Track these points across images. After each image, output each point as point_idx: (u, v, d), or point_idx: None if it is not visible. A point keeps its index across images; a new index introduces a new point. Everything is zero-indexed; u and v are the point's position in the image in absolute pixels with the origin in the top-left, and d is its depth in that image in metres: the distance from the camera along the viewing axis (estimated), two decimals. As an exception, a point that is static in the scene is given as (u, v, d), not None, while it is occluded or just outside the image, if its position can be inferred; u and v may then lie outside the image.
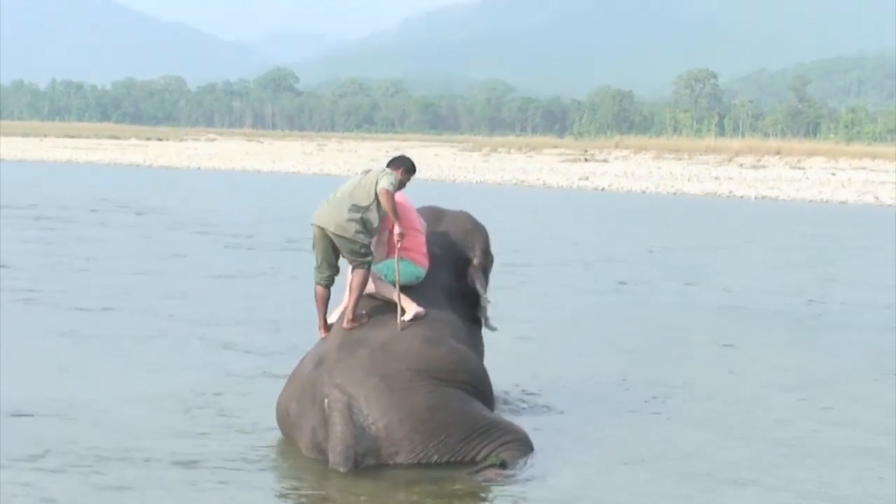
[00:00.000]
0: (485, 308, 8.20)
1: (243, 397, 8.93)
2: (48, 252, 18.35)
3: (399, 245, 7.65)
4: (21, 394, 8.76)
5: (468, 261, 8.26)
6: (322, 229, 7.67)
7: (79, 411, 8.36)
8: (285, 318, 12.40)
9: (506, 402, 8.55)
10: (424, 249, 7.82)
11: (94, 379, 9.51)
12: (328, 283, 7.83)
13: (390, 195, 7.60)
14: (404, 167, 8.00)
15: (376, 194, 7.62)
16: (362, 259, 7.60)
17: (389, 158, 8.15)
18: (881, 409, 9.09)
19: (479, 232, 8.42)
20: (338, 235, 7.58)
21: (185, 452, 7.39)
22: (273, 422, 7.79)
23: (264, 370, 9.83)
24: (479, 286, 8.18)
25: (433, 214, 8.12)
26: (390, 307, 7.60)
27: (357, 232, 7.56)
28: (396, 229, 7.63)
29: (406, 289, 7.65)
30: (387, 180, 7.65)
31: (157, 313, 12.70)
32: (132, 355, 10.47)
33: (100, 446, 7.52)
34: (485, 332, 8.37)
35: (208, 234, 22.13)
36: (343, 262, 7.80)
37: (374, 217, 7.65)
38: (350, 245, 7.58)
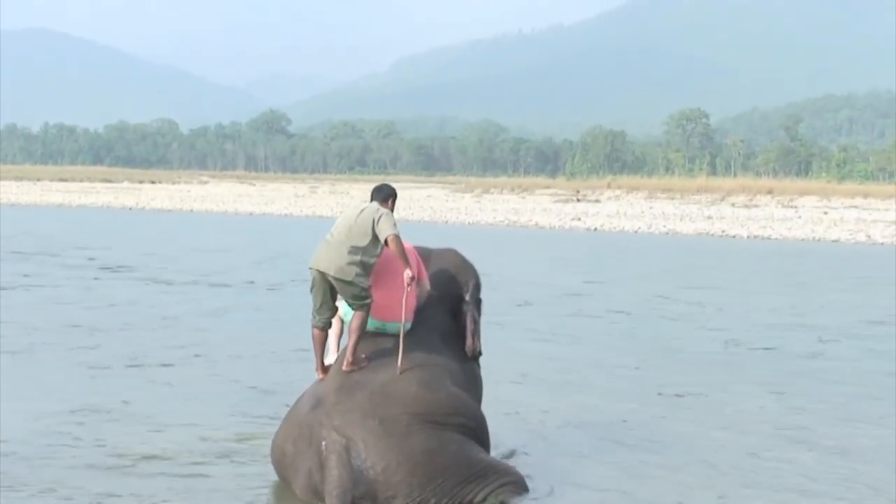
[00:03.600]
0: (470, 346, 8.13)
1: (237, 439, 8.90)
2: (52, 297, 18.34)
3: (409, 289, 7.63)
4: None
5: (460, 298, 8.23)
6: (322, 273, 7.63)
7: (78, 456, 8.31)
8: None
9: (496, 447, 8.51)
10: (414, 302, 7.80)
11: (108, 419, 9.47)
12: (326, 326, 7.81)
13: (399, 240, 7.57)
14: (392, 197, 7.99)
15: (374, 234, 7.61)
16: (362, 302, 7.57)
17: (374, 189, 8.06)
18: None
19: (469, 268, 8.40)
20: (338, 279, 7.54)
21: (178, 493, 7.37)
22: (267, 463, 7.76)
23: (259, 409, 9.80)
24: (472, 322, 8.14)
25: (421, 254, 8.09)
26: (388, 351, 7.58)
27: (357, 275, 7.53)
28: (408, 274, 7.62)
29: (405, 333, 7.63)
30: (389, 224, 7.60)
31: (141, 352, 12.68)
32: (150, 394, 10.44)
33: (86, 487, 7.51)
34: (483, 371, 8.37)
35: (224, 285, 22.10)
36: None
37: (371, 259, 7.63)
38: (350, 289, 7.55)
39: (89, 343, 13.57)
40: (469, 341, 8.09)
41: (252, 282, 21.42)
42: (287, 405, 8.11)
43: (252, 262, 25.79)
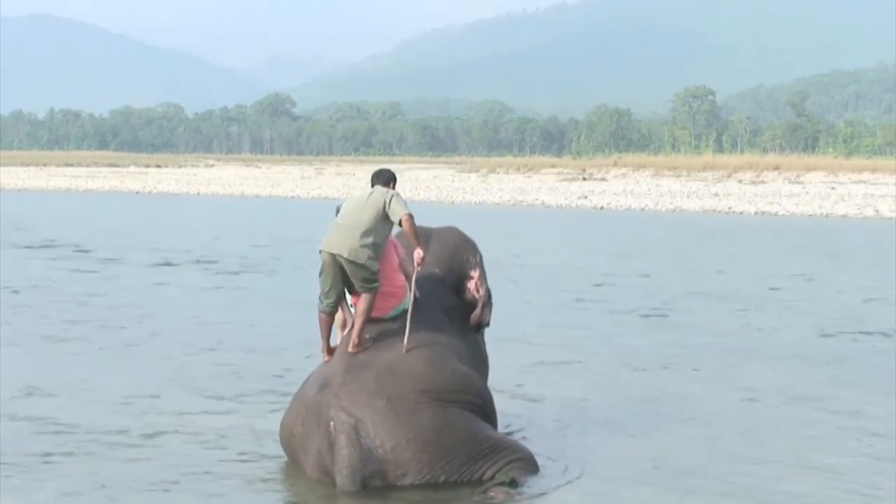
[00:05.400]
0: (478, 315, 8.15)
1: (247, 419, 8.91)
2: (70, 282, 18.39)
3: (418, 268, 7.70)
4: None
5: (464, 275, 8.23)
6: (333, 256, 7.62)
7: (90, 444, 8.33)
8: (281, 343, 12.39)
9: (508, 426, 8.52)
10: (401, 283, 7.80)
11: (98, 404, 9.48)
12: (333, 311, 7.81)
13: (413, 220, 7.62)
14: (393, 180, 8.03)
15: (384, 216, 7.61)
16: (371, 285, 7.58)
17: (373, 174, 8.11)
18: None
19: (470, 243, 8.41)
20: (350, 261, 7.54)
21: (190, 475, 7.39)
22: (277, 444, 7.78)
23: (267, 393, 9.81)
24: (482, 295, 8.15)
25: (422, 233, 8.07)
26: (393, 331, 7.59)
27: (369, 258, 7.54)
28: (419, 253, 7.65)
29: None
30: (402, 204, 7.64)
31: (155, 334, 12.70)
32: (134, 377, 10.44)
33: (101, 472, 7.52)
34: (489, 346, 8.38)
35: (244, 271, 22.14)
36: None
37: (381, 241, 7.65)
38: (361, 272, 7.56)
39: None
40: (477, 310, 8.11)
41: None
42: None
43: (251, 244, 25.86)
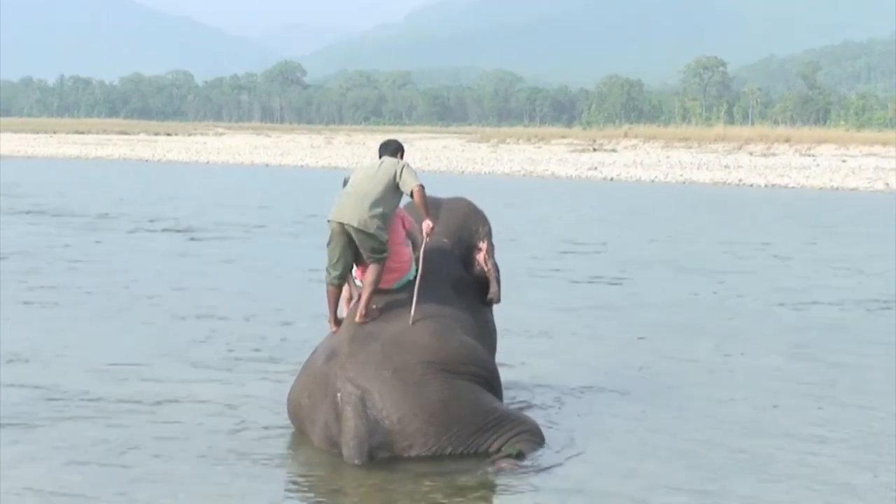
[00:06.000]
0: (496, 291, 8.16)
1: (255, 390, 8.94)
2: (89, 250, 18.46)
3: (426, 239, 7.70)
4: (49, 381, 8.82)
5: (473, 246, 8.22)
6: (342, 225, 7.58)
7: (91, 407, 8.37)
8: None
9: (514, 398, 8.53)
10: (406, 257, 7.79)
11: (103, 373, 9.51)
12: (341, 283, 7.78)
13: (424, 191, 7.61)
14: (401, 150, 8.02)
15: (395, 186, 7.60)
16: (379, 255, 7.56)
17: (381, 145, 8.11)
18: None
19: (480, 215, 8.39)
20: (359, 231, 7.51)
21: (197, 446, 7.41)
22: (285, 415, 7.80)
23: (274, 364, 9.85)
24: (489, 269, 8.15)
25: (432, 204, 8.04)
26: (400, 302, 7.59)
27: (378, 228, 7.52)
28: (428, 224, 7.65)
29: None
30: (413, 175, 7.63)
31: (159, 300, 12.75)
32: (143, 346, 10.47)
33: (108, 439, 7.55)
34: (497, 320, 8.38)
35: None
36: None
37: (389, 212, 7.64)
38: (370, 242, 7.52)
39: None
40: (493, 287, 8.11)
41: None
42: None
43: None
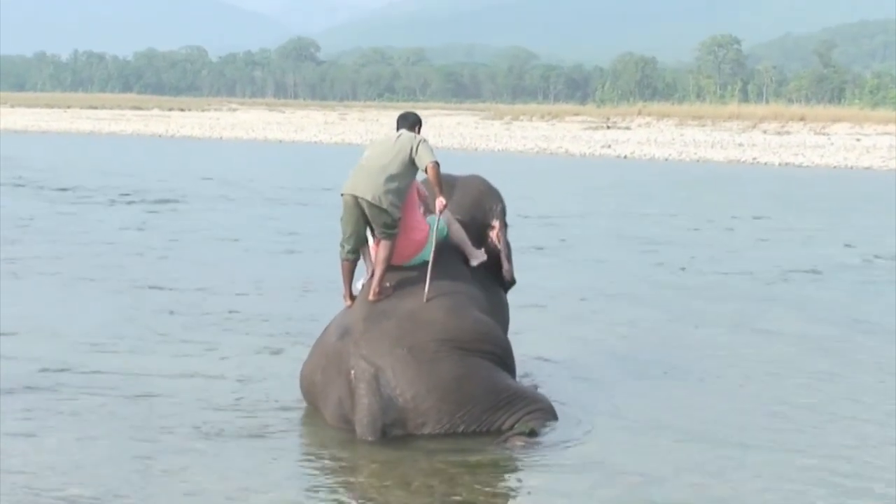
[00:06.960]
0: (509, 270, 8.16)
1: (268, 366, 8.95)
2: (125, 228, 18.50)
3: (440, 217, 7.67)
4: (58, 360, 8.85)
5: (486, 224, 8.21)
6: (355, 198, 7.53)
7: (106, 382, 8.39)
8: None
9: (525, 375, 8.53)
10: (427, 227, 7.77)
11: (120, 350, 9.53)
12: (355, 258, 7.76)
13: (438, 168, 7.54)
14: (418, 124, 7.96)
15: (410, 161, 7.55)
16: (391, 231, 7.52)
17: (399, 117, 8.06)
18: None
19: (494, 193, 8.38)
20: (372, 205, 7.46)
21: (211, 422, 7.42)
22: (298, 392, 7.81)
23: (288, 340, 9.86)
24: (502, 247, 8.15)
25: (446, 181, 8.02)
26: (414, 279, 7.58)
27: (391, 203, 7.47)
28: (441, 201, 7.60)
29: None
30: (429, 151, 7.56)
31: (176, 284, 12.76)
32: (156, 327, 10.49)
33: (124, 415, 7.57)
34: (510, 297, 8.38)
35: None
36: None
37: (404, 187, 7.59)
38: (383, 217, 7.48)
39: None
40: (505, 265, 8.11)
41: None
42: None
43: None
